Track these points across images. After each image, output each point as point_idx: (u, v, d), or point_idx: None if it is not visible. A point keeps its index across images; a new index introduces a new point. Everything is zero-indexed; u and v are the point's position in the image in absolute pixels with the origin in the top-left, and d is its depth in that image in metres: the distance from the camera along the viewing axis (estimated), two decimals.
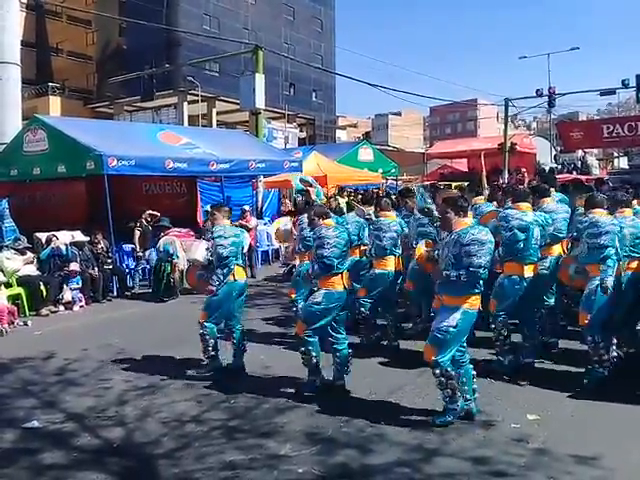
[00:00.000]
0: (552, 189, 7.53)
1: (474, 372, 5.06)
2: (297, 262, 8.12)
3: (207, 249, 9.63)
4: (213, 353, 6.31)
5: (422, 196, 7.83)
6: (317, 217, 5.80)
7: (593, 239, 5.62)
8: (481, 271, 4.72)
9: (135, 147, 12.14)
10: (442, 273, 4.84)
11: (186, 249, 10.69)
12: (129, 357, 7.11)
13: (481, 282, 4.80)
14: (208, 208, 11.94)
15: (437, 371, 4.79)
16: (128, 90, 34.19)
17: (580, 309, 5.77)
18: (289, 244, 10.57)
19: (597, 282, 5.59)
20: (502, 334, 6.04)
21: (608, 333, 5.85)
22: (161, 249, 10.97)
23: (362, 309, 7.03)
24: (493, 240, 4.93)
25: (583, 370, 5.90)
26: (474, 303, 4.83)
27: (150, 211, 12.35)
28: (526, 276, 5.99)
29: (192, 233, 11.98)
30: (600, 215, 5.73)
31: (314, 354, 5.60)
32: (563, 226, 6.72)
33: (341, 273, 5.58)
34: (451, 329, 4.74)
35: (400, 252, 7.15)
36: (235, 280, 6.27)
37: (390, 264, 7.00)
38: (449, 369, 4.79)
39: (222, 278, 6.16)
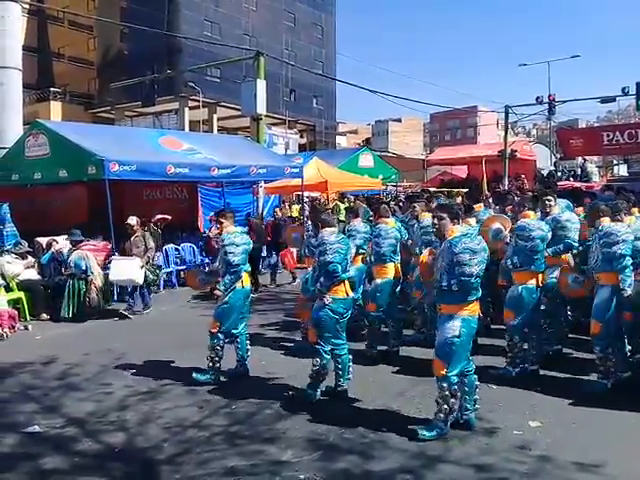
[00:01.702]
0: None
1: (478, 383, 5.03)
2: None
3: (142, 267, 9.69)
4: (219, 365, 6.29)
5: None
6: (320, 224, 5.80)
7: (607, 248, 5.59)
8: (472, 280, 4.68)
9: (136, 152, 12.13)
10: (435, 282, 4.84)
11: (114, 267, 9.80)
12: (130, 362, 7.09)
13: (475, 290, 4.77)
14: (211, 215, 12.03)
15: (444, 385, 4.73)
16: (129, 95, 34.24)
17: (592, 318, 5.74)
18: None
19: (609, 291, 5.59)
20: (517, 345, 6.03)
21: (620, 344, 5.82)
22: (72, 264, 9.76)
23: (370, 320, 7.02)
24: (487, 248, 4.90)
25: (586, 378, 5.91)
26: (474, 309, 4.81)
27: (160, 215, 12.35)
28: (541, 285, 6.03)
29: (109, 247, 10.68)
30: (615, 224, 5.72)
31: (324, 372, 5.56)
32: (576, 235, 6.60)
33: (344, 280, 5.57)
34: (456, 340, 4.70)
35: (399, 259, 7.13)
36: (243, 287, 6.29)
37: (390, 271, 7.00)
38: (456, 387, 4.74)
39: (230, 285, 6.16)
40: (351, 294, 5.73)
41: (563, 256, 6.61)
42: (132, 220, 10.17)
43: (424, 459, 4.44)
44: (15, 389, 6.27)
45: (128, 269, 9.74)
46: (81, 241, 10.27)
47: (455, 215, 4.90)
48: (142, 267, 9.76)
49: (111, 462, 4.57)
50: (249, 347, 6.52)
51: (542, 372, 6.23)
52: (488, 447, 4.62)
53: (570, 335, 7.22)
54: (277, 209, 17.97)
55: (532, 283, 6.01)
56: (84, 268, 9.72)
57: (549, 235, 6.16)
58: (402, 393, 5.82)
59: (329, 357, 5.56)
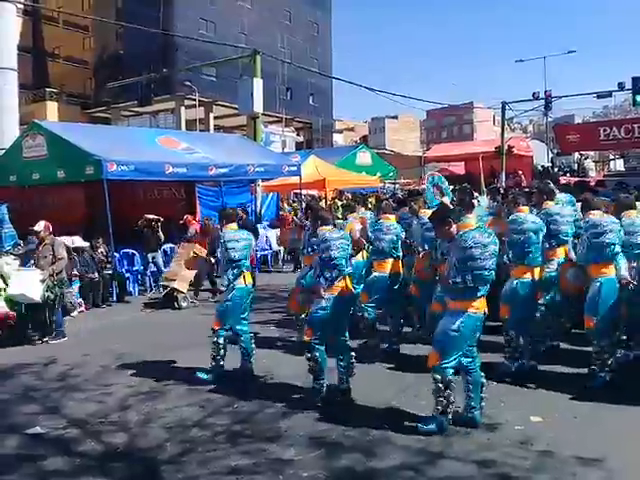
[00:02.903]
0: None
1: (484, 380, 4.99)
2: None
3: (43, 281, 8.13)
4: (222, 362, 6.30)
5: (436, 190, 7.78)
6: (318, 221, 5.80)
7: (595, 239, 5.62)
8: (486, 273, 4.70)
9: (134, 152, 12.14)
10: (448, 280, 4.81)
11: (15, 278, 8.24)
12: (130, 362, 7.09)
13: (487, 285, 4.78)
14: (205, 217, 12.03)
15: (437, 376, 4.71)
16: (125, 95, 34.22)
17: (585, 312, 5.77)
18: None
19: (599, 283, 5.61)
20: (514, 340, 6.05)
21: (615, 337, 5.84)
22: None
23: (365, 314, 7.02)
24: (497, 241, 4.90)
25: (586, 372, 5.92)
26: (479, 306, 4.78)
27: (150, 215, 12.30)
28: (537, 279, 6.03)
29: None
30: (600, 216, 5.75)
31: (320, 361, 5.54)
32: (570, 229, 6.64)
33: (345, 277, 5.57)
34: (451, 332, 4.70)
35: (400, 255, 7.14)
36: (245, 284, 6.30)
37: (388, 266, 7.00)
38: (450, 377, 4.73)
39: (233, 280, 6.17)
40: (353, 289, 5.73)
41: (559, 250, 6.58)
42: (39, 226, 8.68)
43: (426, 455, 4.45)
44: (16, 390, 6.27)
45: (26, 282, 8.18)
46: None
47: (459, 212, 4.93)
48: (43, 281, 8.22)
49: (113, 463, 4.57)
50: (253, 345, 6.51)
51: (543, 367, 6.23)
52: (490, 443, 4.63)
53: (573, 330, 7.22)
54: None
55: (527, 277, 6.00)
56: None
57: (544, 228, 6.14)
58: (404, 390, 5.83)
59: (320, 347, 5.52)
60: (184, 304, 10.53)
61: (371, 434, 4.85)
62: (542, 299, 6.42)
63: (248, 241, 6.37)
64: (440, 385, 4.71)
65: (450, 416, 4.79)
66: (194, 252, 10.82)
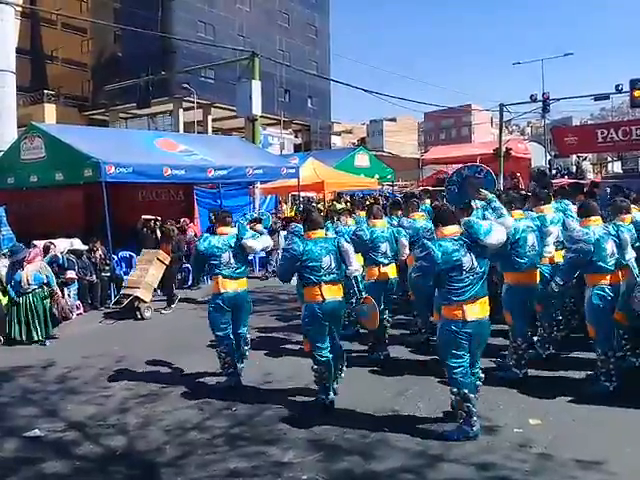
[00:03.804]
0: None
1: (480, 383, 4.99)
2: None
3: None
4: (231, 370, 6.24)
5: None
6: (306, 225, 5.70)
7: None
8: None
9: (133, 154, 12.13)
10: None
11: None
12: (129, 365, 7.09)
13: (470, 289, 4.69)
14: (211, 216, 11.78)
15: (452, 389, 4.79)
16: (123, 97, 34.25)
17: (586, 321, 5.74)
18: None
19: (590, 293, 5.57)
20: (521, 347, 6.01)
21: (618, 344, 5.81)
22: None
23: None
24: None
25: (585, 375, 5.93)
26: (456, 313, 4.72)
27: (147, 216, 12.25)
28: (527, 284, 5.97)
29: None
30: (594, 223, 5.66)
31: (325, 373, 5.46)
32: (550, 237, 6.37)
33: (320, 284, 5.38)
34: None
35: (387, 262, 6.91)
36: (220, 292, 6.16)
37: (374, 274, 6.84)
38: (466, 391, 4.72)
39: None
40: (330, 297, 5.42)
41: (549, 257, 6.42)
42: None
43: (426, 458, 4.46)
44: (15, 393, 6.26)
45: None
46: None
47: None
48: None
49: (112, 465, 4.57)
50: (246, 351, 6.49)
51: (541, 371, 6.24)
52: (489, 445, 4.64)
53: (572, 335, 7.22)
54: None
55: (515, 283, 5.94)
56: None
57: (526, 234, 5.97)
58: (402, 393, 5.83)
59: (325, 359, 5.43)
60: (147, 314, 9.83)
61: (370, 437, 4.85)
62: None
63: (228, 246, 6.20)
64: (456, 397, 4.78)
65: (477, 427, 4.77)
66: (158, 258, 10.21)
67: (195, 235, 12.63)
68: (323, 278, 5.39)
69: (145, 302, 9.86)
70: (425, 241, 4.96)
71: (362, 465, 4.40)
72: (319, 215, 6.17)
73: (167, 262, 10.34)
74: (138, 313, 9.79)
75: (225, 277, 6.14)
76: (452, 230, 4.76)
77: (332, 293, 5.44)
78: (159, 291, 10.79)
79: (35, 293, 8.64)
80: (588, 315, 5.65)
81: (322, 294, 5.38)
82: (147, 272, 10.07)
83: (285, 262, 5.57)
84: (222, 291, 6.12)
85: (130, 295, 9.84)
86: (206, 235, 6.56)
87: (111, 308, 10.42)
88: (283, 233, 14.46)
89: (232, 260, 6.17)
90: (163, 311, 10.31)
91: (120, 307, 9.97)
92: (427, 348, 7.09)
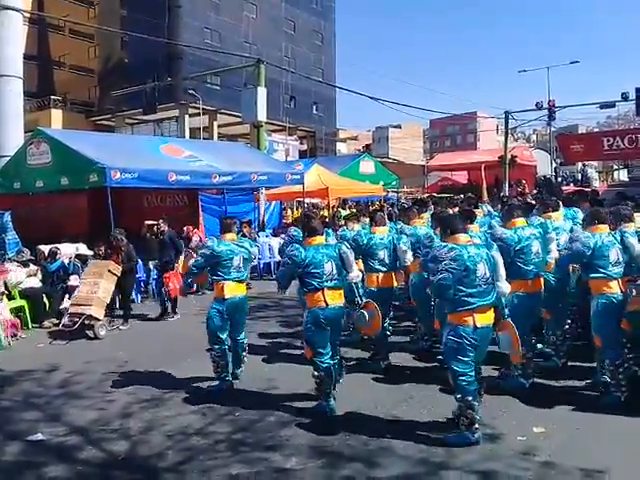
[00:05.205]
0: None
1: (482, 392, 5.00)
2: None
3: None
4: (224, 374, 6.29)
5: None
6: (305, 232, 5.74)
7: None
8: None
9: (138, 160, 12.17)
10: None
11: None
12: (132, 370, 7.09)
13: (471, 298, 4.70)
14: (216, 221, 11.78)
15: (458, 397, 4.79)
16: (130, 103, 34.40)
17: (592, 331, 5.69)
18: None
19: (595, 302, 5.54)
20: (527, 356, 5.94)
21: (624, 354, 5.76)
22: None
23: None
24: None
25: (587, 382, 5.90)
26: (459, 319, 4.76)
27: (149, 221, 12.24)
28: (532, 292, 5.94)
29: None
30: (601, 231, 5.64)
31: (326, 380, 5.45)
32: (551, 244, 6.38)
33: (322, 290, 5.40)
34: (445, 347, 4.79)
35: (385, 269, 6.85)
36: (216, 297, 6.30)
37: (374, 282, 6.80)
38: (470, 398, 4.73)
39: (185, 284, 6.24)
40: (333, 303, 5.44)
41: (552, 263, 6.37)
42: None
43: (428, 466, 4.43)
44: (18, 397, 6.27)
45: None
46: None
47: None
48: None
49: (115, 470, 4.57)
50: (244, 356, 6.55)
51: (544, 379, 6.20)
52: (492, 453, 4.61)
53: (576, 342, 7.17)
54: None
55: (519, 291, 5.86)
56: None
57: (531, 241, 5.95)
58: (405, 400, 5.81)
59: (326, 365, 5.44)
60: (102, 332, 8.90)
61: (372, 444, 4.84)
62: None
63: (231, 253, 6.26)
64: (461, 404, 4.77)
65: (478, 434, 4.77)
66: (109, 270, 9.27)
67: (200, 240, 12.62)
68: (325, 284, 5.41)
69: (99, 320, 8.92)
70: (453, 245, 4.83)
71: (364, 472, 4.38)
72: (318, 221, 6.20)
73: (118, 273, 9.40)
74: (91, 332, 8.87)
75: (232, 281, 6.21)
76: (466, 238, 4.89)
77: (334, 299, 5.47)
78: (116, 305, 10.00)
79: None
80: (594, 324, 5.60)
81: (325, 299, 5.40)
82: (99, 287, 9.09)
83: (286, 268, 5.59)
84: (227, 297, 6.17)
85: (82, 314, 8.84)
86: (218, 238, 6.50)
87: (60, 327, 9.13)
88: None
89: (242, 264, 6.29)
90: (121, 327, 9.56)
91: (70, 329, 8.80)
92: (430, 356, 7.07)
